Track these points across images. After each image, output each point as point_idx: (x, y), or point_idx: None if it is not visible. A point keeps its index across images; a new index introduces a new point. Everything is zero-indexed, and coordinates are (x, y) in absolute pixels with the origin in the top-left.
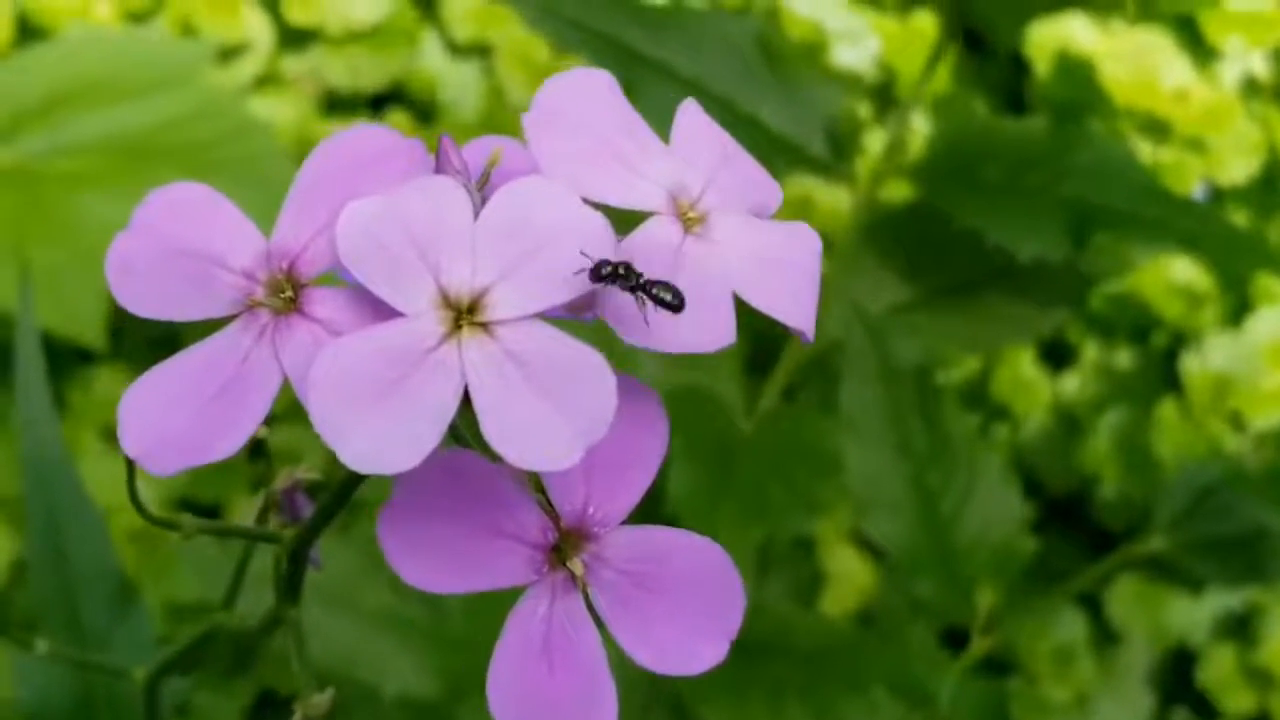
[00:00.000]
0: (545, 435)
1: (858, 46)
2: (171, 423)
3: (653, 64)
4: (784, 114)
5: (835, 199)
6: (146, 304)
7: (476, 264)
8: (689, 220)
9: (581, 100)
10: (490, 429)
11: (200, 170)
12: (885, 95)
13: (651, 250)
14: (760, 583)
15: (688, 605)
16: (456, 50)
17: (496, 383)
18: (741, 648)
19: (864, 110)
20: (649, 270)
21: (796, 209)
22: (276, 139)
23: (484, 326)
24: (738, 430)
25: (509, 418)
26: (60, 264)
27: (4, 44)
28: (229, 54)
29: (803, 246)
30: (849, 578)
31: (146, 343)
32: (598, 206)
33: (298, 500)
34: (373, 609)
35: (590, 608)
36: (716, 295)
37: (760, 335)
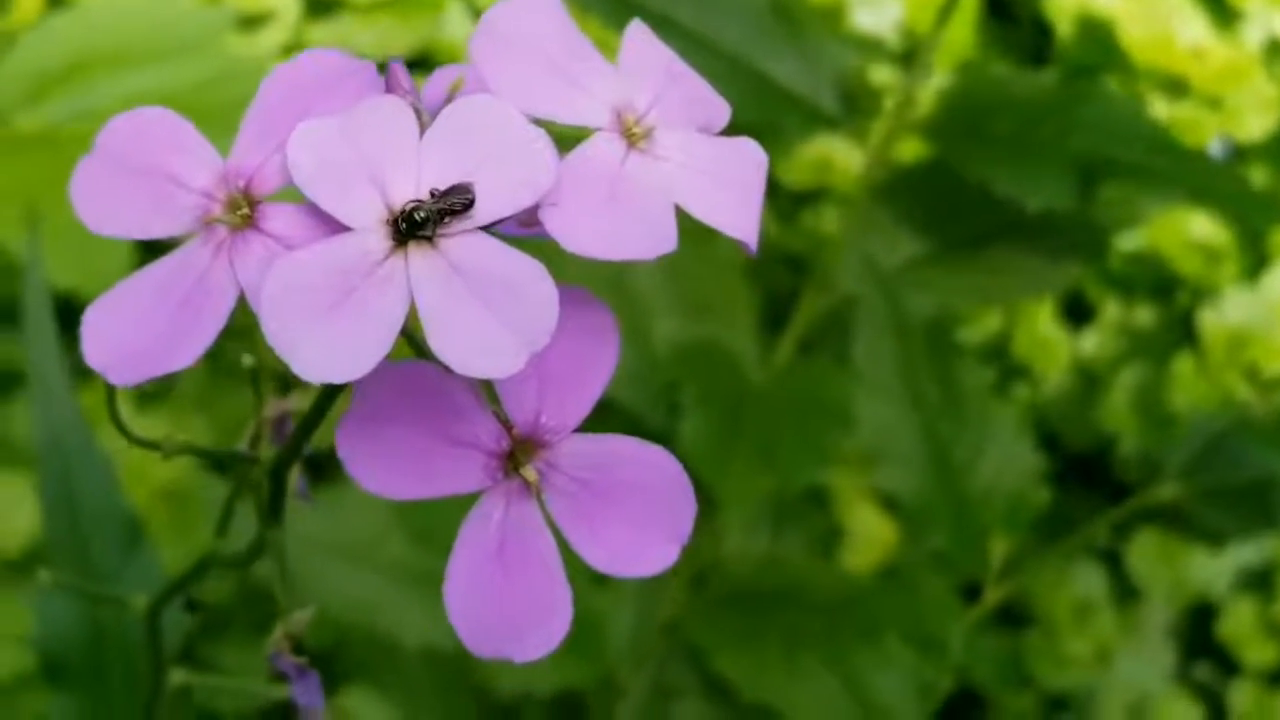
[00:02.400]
0: (488, 344)
1: (878, 10)
2: (133, 336)
3: (666, 21)
4: (795, 70)
5: (853, 158)
6: (109, 223)
7: (421, 180)
8: (633, 136)
9: (528, 21)
10: (435, 338)
11: (222, 134)
12: (910, 61)
13: (594, 165)
14: (776, 535)
15: (639, 510)
16: None
17: (441, 294)
18: (756, 598)
19: (886, 74)
20: (588, 185)
21: (815, 169)
22: None
23: (429, 240)
24: (751, 382)
25: (453, 327)
26: (83, 227)
27: (32, 13)
28: (255, 22)
29: (746, 160)
30: (869, 534)
31: None
32: (542, 124)
33: (287, 428)
34: (392, 561)
35: (546, 514)
36: (657, 207)
37: (776, 292)
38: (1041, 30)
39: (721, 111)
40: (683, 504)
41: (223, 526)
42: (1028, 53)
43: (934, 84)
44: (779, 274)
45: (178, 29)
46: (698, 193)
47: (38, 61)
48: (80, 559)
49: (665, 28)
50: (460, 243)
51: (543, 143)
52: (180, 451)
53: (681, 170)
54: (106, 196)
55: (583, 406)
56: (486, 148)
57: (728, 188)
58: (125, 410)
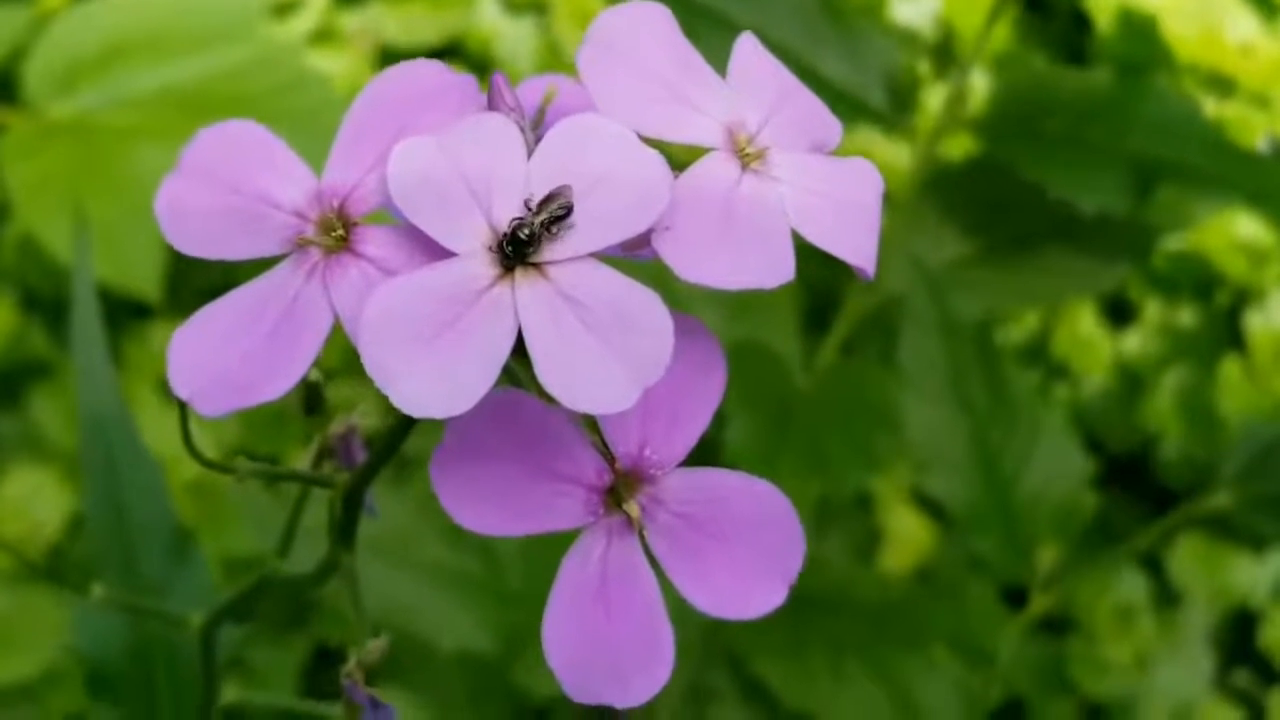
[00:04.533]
0: (600, 378)
1: (917, 3)
2: (221, 363)
3: (712, 15)
4: (843, 66)
5: (895, 153)
6: (197, 243)
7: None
8: (747, 156)
9: (636, 34)
10: (544, 372)
11: (261, 122)
12: (945, 53)
13: (707, 187)
14: (819, 539)
15: (746, 549)
16: (513, 6)
17: (550, 324)
18: (800, 603)
19: (923, 67)
20: (702, 208)
21: None
22: (335, 90)
23: (537, 267)
24: (796, 384)
25: (563, 360)
26: (117, 217)
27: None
28: (285, 9)
29: (863, 183)
30: (907, 536)
31: (202, 295)
32: (653, 143)
33: (353, 446)
34: (429, 563)
35: (647, 551)
36: (774, 232)
37: (818, 290)
38: (1079, 24)
39: (834, 130)
40: (791, 541)
41: (285, 547)
42: (1063, 47)
43: (975, 79)
44: (819, 271)
45: (211, 15)
46: (814, 217)
47: (70, 49)
48: (127, 568)
49: (714, 22)
50: (570, 269)
51: (657, 165)
52: (253, 475)
53: (797, 192)
54: (193, 216)
55: (689, 440)
56: (598, 171)
57: (845, 211)
58: (152, 404)
